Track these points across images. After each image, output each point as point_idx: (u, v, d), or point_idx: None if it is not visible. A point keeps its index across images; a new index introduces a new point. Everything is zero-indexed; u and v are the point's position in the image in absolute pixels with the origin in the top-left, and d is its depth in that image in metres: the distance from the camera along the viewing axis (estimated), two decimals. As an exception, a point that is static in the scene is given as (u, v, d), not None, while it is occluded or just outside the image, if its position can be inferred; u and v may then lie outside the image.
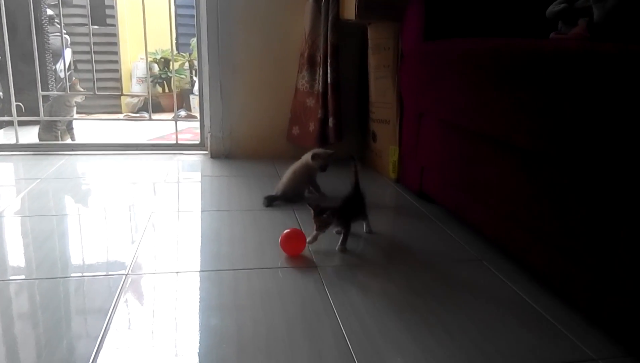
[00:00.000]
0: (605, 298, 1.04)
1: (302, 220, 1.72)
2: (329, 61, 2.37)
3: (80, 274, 1.28)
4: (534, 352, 1.02)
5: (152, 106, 3.04)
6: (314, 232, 1.48)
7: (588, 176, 1.09)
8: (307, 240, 1.46)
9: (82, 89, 3.14)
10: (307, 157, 1.94)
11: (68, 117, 2.96)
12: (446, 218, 1.79)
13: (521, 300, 1.22)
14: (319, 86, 2.43)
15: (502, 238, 1.42)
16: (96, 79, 2.89)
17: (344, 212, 1.51)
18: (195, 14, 2.59)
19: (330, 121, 2.42)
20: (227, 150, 2.59)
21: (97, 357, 0.94)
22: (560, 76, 1.12)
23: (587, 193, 1.08)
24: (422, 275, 1.34)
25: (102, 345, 0.97)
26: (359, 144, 2.61)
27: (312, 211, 1.44)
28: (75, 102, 3.01)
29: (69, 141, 2.96)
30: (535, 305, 1.20)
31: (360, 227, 1.64)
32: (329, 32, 2.35)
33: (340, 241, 1.50)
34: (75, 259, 1.37)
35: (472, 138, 1.56)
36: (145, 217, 1.69)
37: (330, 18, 2.33)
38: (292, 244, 1.43)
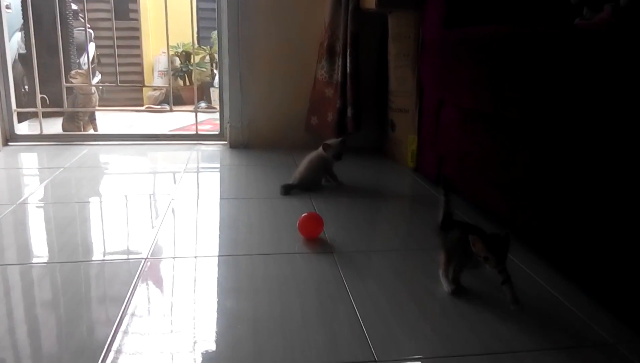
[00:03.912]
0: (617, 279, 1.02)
1: (319, 208, 1.72)
2: (348, 50, 2.35)
3: (100, 258, 1.30)
4: (552, 332, 1.00)
5: (173, 98, 3.08)
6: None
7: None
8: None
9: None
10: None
11: (90, 108, 3.01)
12: (463, 206, 1.77)
13: (534, 282, 1.20)
14: (338, 76, 2.43)
15: (520, 224, 1.40)
16: (119, 72, 2.93)
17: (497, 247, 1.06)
18: (216, 7, 2.60)
19: (349, 110, 2.41)
20: (245, 140, 2.61)
21: (115, 339, 0.96)
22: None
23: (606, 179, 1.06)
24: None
25: (119, 327, 0.99)
26: (377, 133, 2.60)
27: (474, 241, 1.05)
28: (94, 90, 3.05)
29: (91, 131, 3.02)
30: (547, 286, 1.18)
31: (379, 216, 1.63)
32: (348, 22, 2.34)
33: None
34: (96, 244, 1.40)
35: (489, 123, 1.54)
36: (165, 204, 1.72)
37: (350, 8, 2.32)
38: (310, 226, 1.43)
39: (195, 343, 0.95)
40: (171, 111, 3.16)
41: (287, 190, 1.86)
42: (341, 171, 2.03)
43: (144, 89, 5.55)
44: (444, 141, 1.88)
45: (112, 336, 0.96)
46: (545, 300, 1.15)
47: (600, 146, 1.09)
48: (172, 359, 0.90)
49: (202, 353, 0.92)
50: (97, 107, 3.11)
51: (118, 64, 2.91)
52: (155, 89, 5.56)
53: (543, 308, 1.11)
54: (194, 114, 2.87)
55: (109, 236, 1.45)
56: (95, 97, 3.11)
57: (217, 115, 2.80)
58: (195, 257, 1.32)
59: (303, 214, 1.45)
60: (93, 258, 1.30)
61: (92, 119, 3.08)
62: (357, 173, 2.20)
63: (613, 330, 1.03)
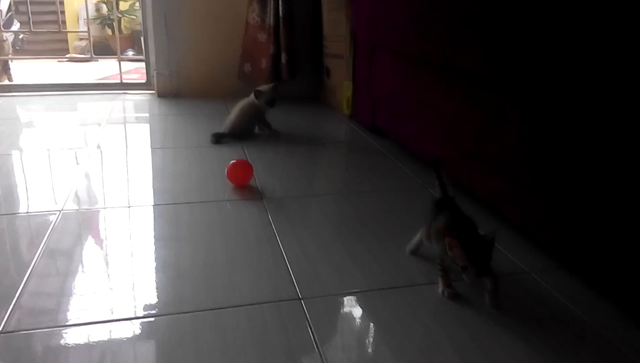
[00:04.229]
0: (534, 215, 1.06)
1: (251, 156, 1.67)
2: (279, -9, 2.25)
3: (17, 211, 1.21)
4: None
5: (101, 49, 2.87)
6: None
7: (525, 101, 1.08)
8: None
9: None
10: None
11: (3, 57, 2.75)
12: (396, 151, 1.78)
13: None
14: (270, 20, 2.32)
15: (448, 165, 1.43)
16: (39, 20, 2.68)
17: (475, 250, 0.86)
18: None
19: (283, 57, 2.33)
20: (175, 89, 2.48)
21: (27, 285, 0.90)
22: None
23: (523, 117, 1.08)
24: (369, 205, 1.33)
25: (32, 273, 0.93)
26: (313, 81, 2.54)
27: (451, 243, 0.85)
28: (7, 37, 2.79)
29: (6, 82, 2.77)
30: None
31: (322, 155, 1.61)
32: (279, -39, 2.22)
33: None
34: (15, 197, 1.29)
35: (420, 66, 1.53)
36: (85, 156, 1.61)
37: (280, -55, 2.21)
38: (239, 173, 1.39)
39: (111, 289, 0.91)
40: (91, 57, 2.94)
41: (218, 139, 1.79)
42: (276, 120, 1.98)
43: (69, 39, 5.14)
44: (377, 86, 1.87)
45: (24, 283, 0.90)
46: (467, 234, 1.18)
47: (521, 81, 1.10)
48: (89, 302, 0.85)
49: (121, 299, 0.88)
50: (11, 56, 2.84)
51: (38, 12, 2.65)
52: (81, 39, 5.16)
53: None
54: (122, 65, 2.69)
55: (29, 189, 1.35)
56: (8, 45, 2.85)
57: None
58: (128, 207, 1.25)
59: (231, 161, 1.40)
60: (10, 211, 1.20)
61: (6, 69, 2.83)
62: (293, 121, 2.16)
63: (530, 260, 1.08)
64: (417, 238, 1.05)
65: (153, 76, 2.50)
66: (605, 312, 0.91)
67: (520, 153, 1.10)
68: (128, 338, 0.79)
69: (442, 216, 0.97)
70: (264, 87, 1.85)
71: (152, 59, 2.46)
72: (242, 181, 1.40)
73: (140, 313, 0.85)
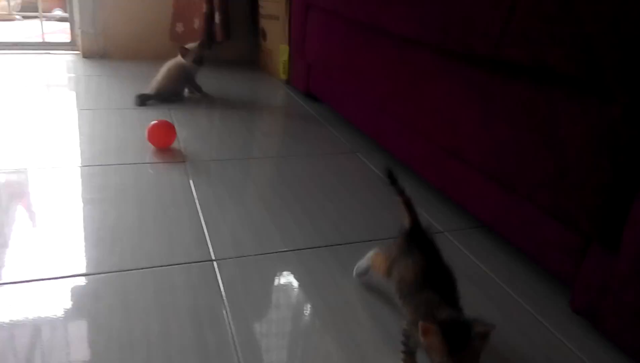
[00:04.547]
0: (451, 174, 1.09)
1: (178, 119, 1.61)
2: (212, -53, 2.14)
3: None
4: (392, 225, 1.05)
5: (29, 8, 2.63)
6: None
7: (446, 61, 1.08)
8: None
9: None
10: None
11: None
12: (330, 116, 1.77)
13: (382, 183, 1.25)
14: (202, -23, 2.21)
15: (375, 129, 1.43)
16: None
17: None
18: None
19: (217, 16, 2.24)
20: (101, 49, 2.33)
21: None
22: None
23: (443, 78, 1.08)
24: (297, 168, 1.31)
25: None
26: (250, 44, 2.46)
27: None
28: None
29: None
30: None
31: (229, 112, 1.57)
32: None
33: None
34: None
35: (352, 28, 1.50)
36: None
37: None
38: (160, 135, 1.33)
39: (18, 250, 0.85)
40: (10, 14, 2.71)
41: (143, 100, 1.71)
42: (210, 84, 1.91)
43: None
44: (312, 48, 1.83)
45: None
46: (387, 195, 1.20)
47: (450, 43, 1.10)
48: (-23, 276, 0.80)
49: (27, 261, 0.82)
50: None
51: None
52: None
53: (385, 203, 1.15)
54: (48, 24, 2.49)
55: None
56: None
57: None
58: (27, 170, 1.17)
59: (152, 123, 1.34)
60: None
61: None
62: (227, 86, 2.09)
63: (445, 220, 1.10)
64: (366, 263, 0.82)
65: (78, 35, 2.34)
66: (511, 269, 0.95)
67: (440, 115, 1.11)
68: (31, 300, 0.74)
69: (411, 259, 0.69)
70: (190, 45, 1.77)
71: (77, 16, 2.30)
72: (163, 143, 1.34)
73: (44, 275, 0.80)
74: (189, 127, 1.55)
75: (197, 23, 2.27)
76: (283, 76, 2.16)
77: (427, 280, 0.66)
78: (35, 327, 0.70)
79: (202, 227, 0.99)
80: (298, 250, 0.94)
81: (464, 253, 0.98)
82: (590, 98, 0.76)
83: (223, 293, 0.80)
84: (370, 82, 1.40)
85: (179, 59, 1.76)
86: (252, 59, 2.48)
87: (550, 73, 0.81)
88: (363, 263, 0.83)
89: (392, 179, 0.77)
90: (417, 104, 1.19)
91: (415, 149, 1.24)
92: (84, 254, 0.87)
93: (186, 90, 1.86)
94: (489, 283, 0.89)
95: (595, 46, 0.71)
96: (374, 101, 1.40)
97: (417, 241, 0.72)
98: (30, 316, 0.72)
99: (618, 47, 0.68)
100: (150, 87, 1.76)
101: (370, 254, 0.81)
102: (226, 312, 0.76)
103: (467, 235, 1.05)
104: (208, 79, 2.02)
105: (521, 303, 0.85)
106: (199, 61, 1.76)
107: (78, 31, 2.32)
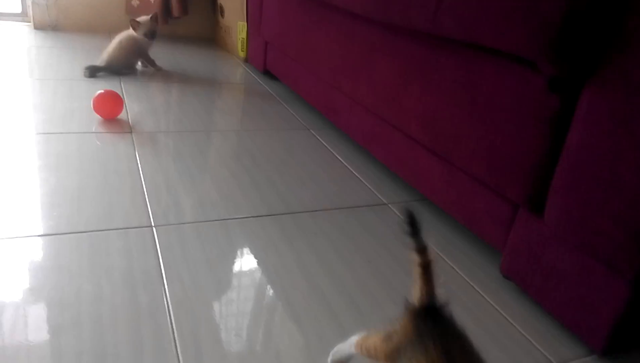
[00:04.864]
0: (395, 148, 1.11)
1: (128, 91, 1.57)
2: None
3: None
4: (337, 196, 1.06)
5: None
6: None
7: (393, 39, 1.10)
8: None
9: None
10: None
11: None
12: (287, 94, 1.77)
13: (333, 159, 1.26)
14: (160, -50, 2.16)
15: (328, 106, 1.44)
16: None
17: None
18: None
19: (174, -9, 2.19)
20: (53, 21, 2.25)
21: None
22: None
23: (395, 58, 1.10)
24: (246, 142, 1.31)
25: None
26: (209, 21, 2.42)
27: None
28: None
29: None
30: (344, 161, 1.25)
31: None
32: None
33: None
34: None
35: (304, 4, 1.50)
36: None
37: None
38: (105, 105, 1.30)
39: None
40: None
41: (93, 72, 1.66)
42: (166, 60, 1.88)
43: None
44: (268, 25, 1.81)
45: None
46: (335, 169, 1.21)
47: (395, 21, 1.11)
48: None
49: (-58, 231, 0.80)
50: None
51: None
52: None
53: (332, 176, 1.17)
54: (-14, -14, 2.37)
55: None
56: None
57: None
58: (-42, 137, 1.12)
59: (98, 92, 1.31)
60: None
61: None
62: (183, 62, 2.05)
63: (390, 194, 1.13)
64: (348, 350, 0.61)
65: (28, 6, 2.24)
66: (449, 239, 0.98)
67: (385, 90, 1.13)
68: (-54, 266, 0.72)
69: (424, 353, 0.49)
70: (142, 18, 1.72)
71: (25, -16, 2.20)
72: (109, 114, 1.31)
73: (-34, 241, 0.78)
74: (139, 100, 1.52)
75: (154, -3, 2.22)
76: (241, 54, 2.13)
77: None
78: (-41, 287, 0.68)
79: (143, 195, 0.98)
80: (241, 218, 0.95)
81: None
82: (517, 71, 0.79)
83: (160, 257, 0.80)
84: (323, 59, 1.41)
85: (131, 31, 1.72)
86: (210, 36, 2.44)
87: (480, 47, 0.84)
88: (344, 348, 0.62)
89: (414, 229, 0.53)
90: (365, 80, 1.21)
91: (364, 125, 1.26)
92: (19, 218, 0.85)
93: (140, 64, 1.81)
94: (426, 251, 0.92)
95: (517, 19, 0.73)
96: (326, 77, 1.41)
97: (430, 326, 0.50)
98: (-46, 277, 0.70)
99: (538, 21, 0.70)
100: (100, 59, 1.71)
101: (354, 339, 0.59)
102: (161, 275, 0.76)
103: (410, 207, 1.08)
104: (164, 55, 1.99)
105: (455, 270, 0.88)
106: (151, 34, 1.72)
107: (29, 1, 2.22)
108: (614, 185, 0.65)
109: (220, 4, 2.24)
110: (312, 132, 1.44)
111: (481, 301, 0.80)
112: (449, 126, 0.94)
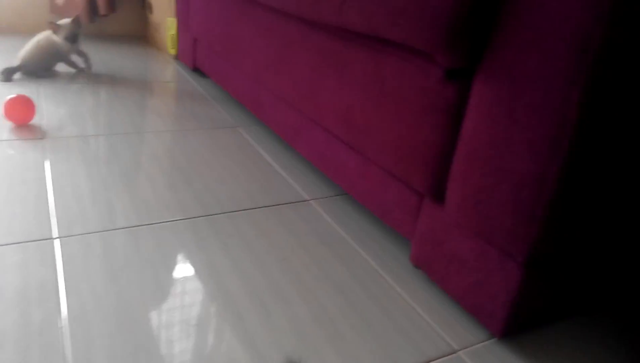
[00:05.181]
0: (316, 144, 1.11)
1: (47, 97, 1.50)
2: None
3: None
4: (258, 195, 1.05)
5: None
6: None
7: (310, 34, 1.09)
8: None
9: None
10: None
11: None
12: (216, 92, 1.74)
13: (259, 157, 1.25)
14: (80, -55, 2.06)
15: (254, 103, 1.42)
16: None
17: None
18: None
19: (99, -12, 2.11)
20: (-32, 21, 2.12)
21: None
22: None
23: (313, 52, 1.09)
24: (169, 143, 1.28)
25: None
26: (138, 17, 2.35)
27: None
28: None
29: None
30: (270, 159, 1.24)
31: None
32: None
33: None
34: None
35: (225, 0, 1.47)
36: None
37: None
38: (16, 110, 1.24)
39: None
40: None
41: (8, 75, 1.57)
42: (93, 60, 1.80)
43: None
44: (196, 21, 1.77)
45: None
46: (260, 167, 1.20)
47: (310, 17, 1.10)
48: None
49: None
50: None
51: None
52: None
53: (256, 176, 1.15)
54: None
55: None
56: None
57: None
58: None
59: (9, 97, 1.24)
60: None
61: None
62: (111, 62, 1.98)
63: (313, 190, 1.12)
64: None
65: (-62, 5, 2.11)
66: (366, 231, 0.99)
67: (305, 85, 1.12)
68: None
69: None
70: (62, 21, 1.65)
71: None
72: (21, 119, 1.25)
73: None
74: (58, 103, 1.45)
75: (77, -6, 2.12)
76: (172, 51, 2.08)
77: None
78: None
79: (48, 205, 0.93)
80: (153, 224, 0.92)
81: (325, 219, 1.01)
82: (417, 63, 0.79)
83: (59, 271, 0.77)
84: (246, 55, 1.39)
85: (51, 33, 1.64)
86: (141, 34, 2.36)
87: (385, 40, 0.84)
88: None
89: None
90: (286, 75, 1.19)
91: (288, 121, 1.25)
92: None
93: (69, 65, 1.74)
94: (343, 245, 0.92)
95: (411, 11, 0.74)
96: (250, 73, 1.39)
97: None
98: None
99: (430, 14, 0.71)
100: (17, 59, 1.62)
101: None
102: (57, 290, 0.73)
103: (332, 202, 1.08)
104: (92, 55, 1.91)
105: (369, 261, 0.88)
106: (73, 38, 1.65)
107: (-62, 1, 2.09)
108: (502, 172, 0.67)
109: (147, 0, 2.17)
110: (240, 130, 1.42)
111: (390, 291, 0.81)
112: (361, 119, 0.94)
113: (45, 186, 1.00)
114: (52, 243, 0.83)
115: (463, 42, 0.69)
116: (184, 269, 0.80)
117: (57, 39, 1.63)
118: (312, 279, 0.81)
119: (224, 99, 1.66)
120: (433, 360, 0.68)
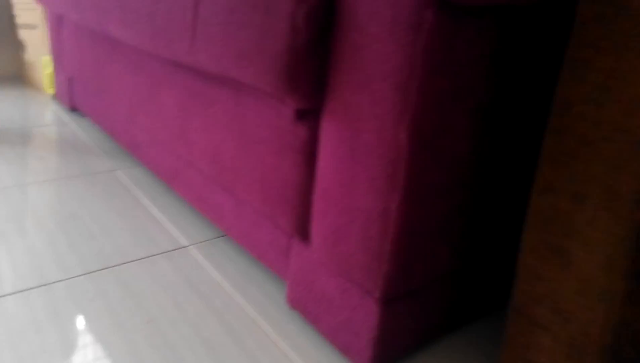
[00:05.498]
0: (193, 185, 1.06)
1: None
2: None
3: None
4: (130, 249, 0.98)
5: None
6: None
7: (176, 76, 1.05)
8: None
9: None
10: None
11: None
12: (95, 133, 1.64)
13: (136, 203, 1.18)
14: None
15: (131, 144, 1.35)
16: None
17: None
18: None
19: (-40, 28, 1.93)
20: None
21: None
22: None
23: (179, 91, 1.05)
24: (32, 197, 1.17)
25: None
26: (11, 56, 2.18)
27: None
28: None
29: None
30: (149, 204, 1.17)
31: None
32: None
33: None
34: None
35: (97, 37, 1.40)
36: None
37: None
38: None
39: None
40: None
41: None
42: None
43: None
44: (69, 60, 1.67)
45: None
46: (136, 215, 1.13)
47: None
48: None
49: None
50: None
51: None
52: None
53: (131, 225, 1.08)
54: None
55: None
56: None
57: None
58: None
59: None
60: None
61: None
62: (-22, 105, 1.81)
63: (193, 233, 1.07)
64: None
65: None
66: (245, 274, 0.95)
67: (174, 125, 1.07)
68: None
69: None
70: None
71: None
72: None
73: None
74: None
75: None
76: (50, 91, 1.94)
77: None
78: None
79: None
80: (11, 294, 0.82)
81: (203, 266, 0.96)
82: (271, 103, 0.78)
83: None
84: (120, 95, 1.32)
85: None
86: (17, 74, 2.20)
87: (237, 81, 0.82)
88: None
89: None
90: (157, 115, 1.14)
91: (165, 161, 1.19)
92: None
93: None
94: (219, 294, 0.88)
95: (252, 54, 0.72)
96: (125, 114, 1.32)
97: None
98: None
99: (268, 55, 0.70)
100: None
101: None
102: None
103: (212, 245, 1.04)
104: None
105: (245, 308, 0.85)
106: None
107: None
108: (353, 210, 0.66)
109: (20, 38, 2.02)
110: (118, 173, 1.34)
111: (264, 341, 0.78)
112: (228, 160, 0.91)
113: None
114: None
115: (301, 84, 0.68)
116: (30, 346, 0.72)
117: None
118: (180, 340, 0.76)
119: (103, 140, 1.57)
120: (304, 412, 0.66)
